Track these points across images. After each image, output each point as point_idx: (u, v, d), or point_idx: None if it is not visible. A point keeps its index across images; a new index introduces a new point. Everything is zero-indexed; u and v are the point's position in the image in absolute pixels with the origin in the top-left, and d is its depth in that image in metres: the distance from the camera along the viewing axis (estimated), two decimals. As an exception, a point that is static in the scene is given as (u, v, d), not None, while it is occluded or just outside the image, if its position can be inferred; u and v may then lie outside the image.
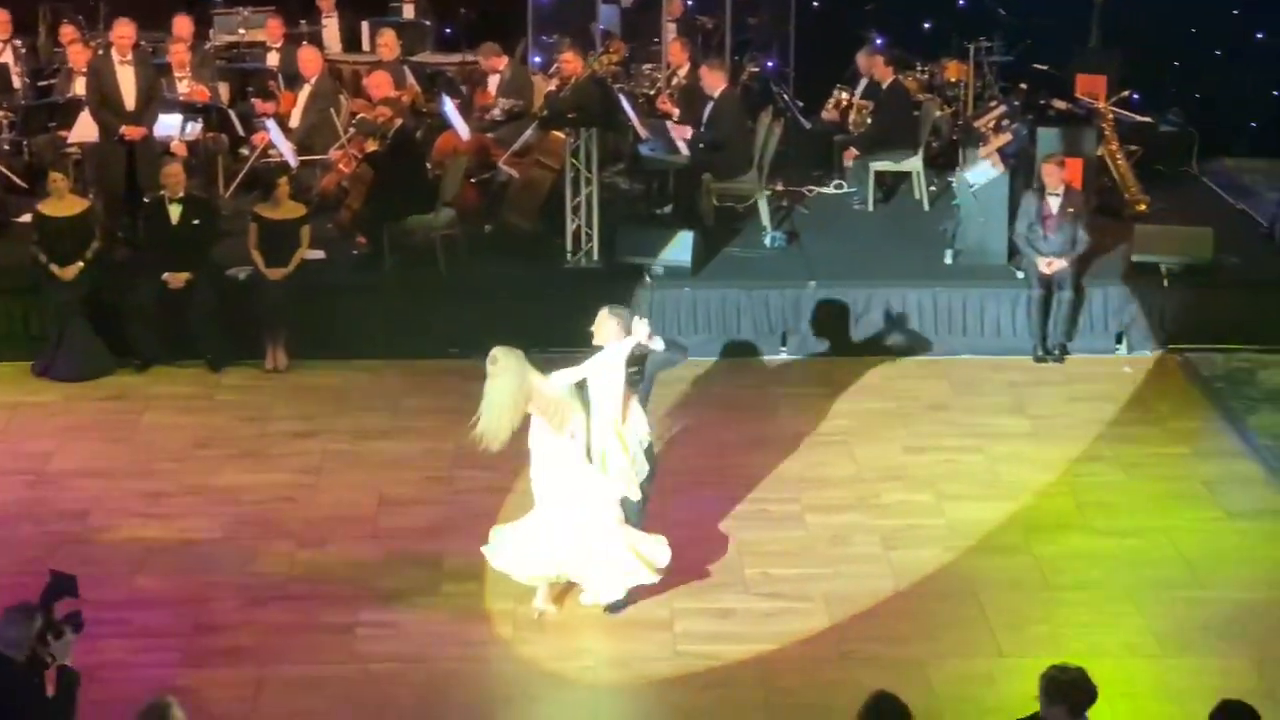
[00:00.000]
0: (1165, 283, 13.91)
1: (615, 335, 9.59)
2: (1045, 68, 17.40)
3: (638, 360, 9.60)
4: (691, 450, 11.82)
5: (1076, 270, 13.60)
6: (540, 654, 9.30)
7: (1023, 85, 17.12)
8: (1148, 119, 16.75)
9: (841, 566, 10.26)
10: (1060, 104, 15.99)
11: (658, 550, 9.54)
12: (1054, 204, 13.54)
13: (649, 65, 17.55)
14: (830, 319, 13.74)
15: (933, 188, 15.82)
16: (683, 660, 9.25)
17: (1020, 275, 13.81)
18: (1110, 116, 15.93)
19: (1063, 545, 10.53)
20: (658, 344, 9.59)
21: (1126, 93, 16.36)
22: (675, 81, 16.44)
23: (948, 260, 14.31)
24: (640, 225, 14.63)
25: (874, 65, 16.28)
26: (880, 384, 13.11)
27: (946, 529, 10.75)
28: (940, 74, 17.55)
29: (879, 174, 15.76)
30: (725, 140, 14.95)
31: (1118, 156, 15.81)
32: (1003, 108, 16.18)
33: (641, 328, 9.52)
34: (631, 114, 15.25)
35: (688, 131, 15.23)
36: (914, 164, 15.76)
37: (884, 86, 16.09)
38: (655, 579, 9.53)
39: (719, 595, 9.89)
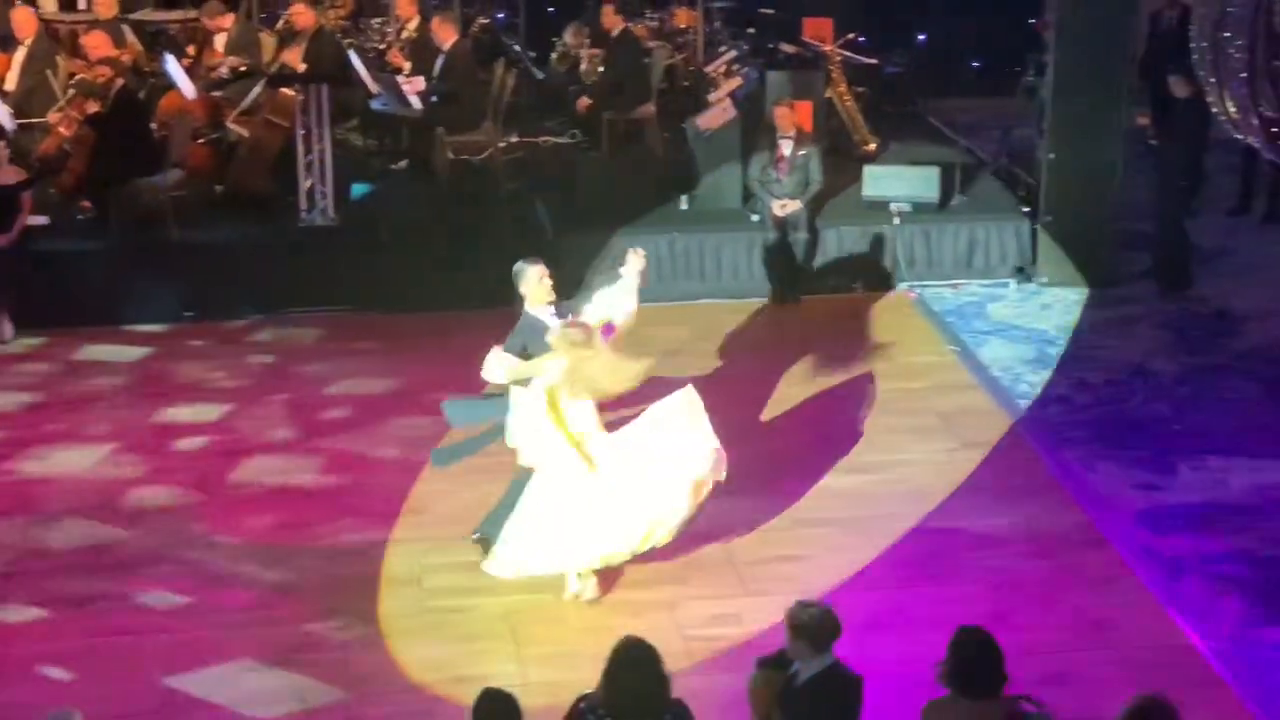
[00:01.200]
0: (896, 220, 14.20)
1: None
2: (772, 11, 17.61)
3: None
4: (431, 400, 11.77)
5: (810, 211, 13.81)
6: (290, 616, 9.20)
7: (751, 30, 17.30)
8: (874, 61, 17.05)
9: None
10: (788, 48, 16.21)
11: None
12: (785, 147, 13.73)
13: (378, 19, 17.35)
14: (568, 269, 13.71)
15: (666, 134, 15.90)
16: (432, 615, 9.22)
17: (755, 218, 13.97)
18: (838, 59, 16.18)
19: (804, 483, 10.69)
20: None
21: (853, 35, 16.61)
22: (405, 35, 16.27)
23: (683, 206, 14.42)
24: (375, 181, 14.48)
25: (604, 14, 16.29)
26: (620, 330, 13.11)
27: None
28: (670, 21, 17.64)
29: (611, 122, 15.80)
30: (458, 92, 14.85)
31: (846, 98, 16.08)
32: (732, 53, 16.35)
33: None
34: (361, 69, 15.08)
35: (419, 85, 15.08)
36: (646, 111, 15.83)
37: (614, 35, 16.12)
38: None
39: (467, 550, 9.84)
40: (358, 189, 13.91)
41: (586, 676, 6.73)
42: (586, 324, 9.25)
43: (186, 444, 11.31)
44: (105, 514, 10.31)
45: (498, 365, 9.21)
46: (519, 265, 9.49)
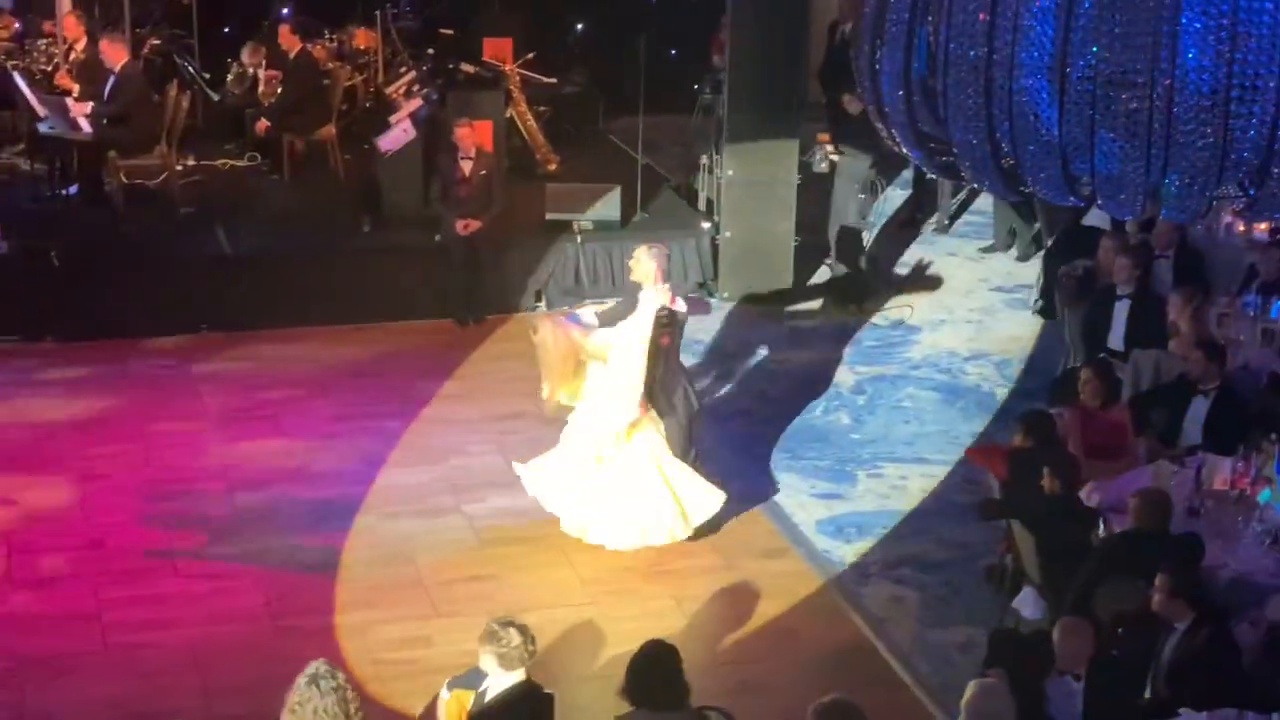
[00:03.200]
0: (579, 239, 14.29)
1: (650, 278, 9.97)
2: (451, 32, 17.60)
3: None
4: (109, 436, 11.48)
5: (492, 231, 13.81)
6: None
7: (431, 50, 17.27)
8: (554, 80, 17.15)
9: (270, 540, 10.15)
10: (469, 67, 16.20)
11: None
12: (467, 166, 13.71)
13: (44, 40, 16.85)
14: (250, 294, 13.54)
15: (347, 156, 15.77)
16: (113, 652, 8.98)
17: (438, 238, 13.93)
18: (517, 78, 16.23)
19: (491, 504, 10.69)
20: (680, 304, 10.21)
21: (531, 55, 16.69)
22: (73, 56, 15.84)
23: (366, 228, 14.31)
24: (44, 206, 14.06)
25: (281, 35, 16.09)
26: (306, 353, 12.99)
27: (378, 496, 10.78)
28: (349, 41, 17.50)
29: (291, 144, 15.62)
30: (129, 114, 14.51)
31: (527, 117, 16.15)
32: (413, 73, 16.29)
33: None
34: (27, 91, 14.64)
35: (88, 107, 14.70)
36: (327, 133, 15.68)
37: (291, 56, 15.93)
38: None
39: (150, 581, 9.62)
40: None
41: (274, 708, 6.62)
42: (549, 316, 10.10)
43: None
44: None
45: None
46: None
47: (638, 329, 9.90)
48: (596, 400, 10.05)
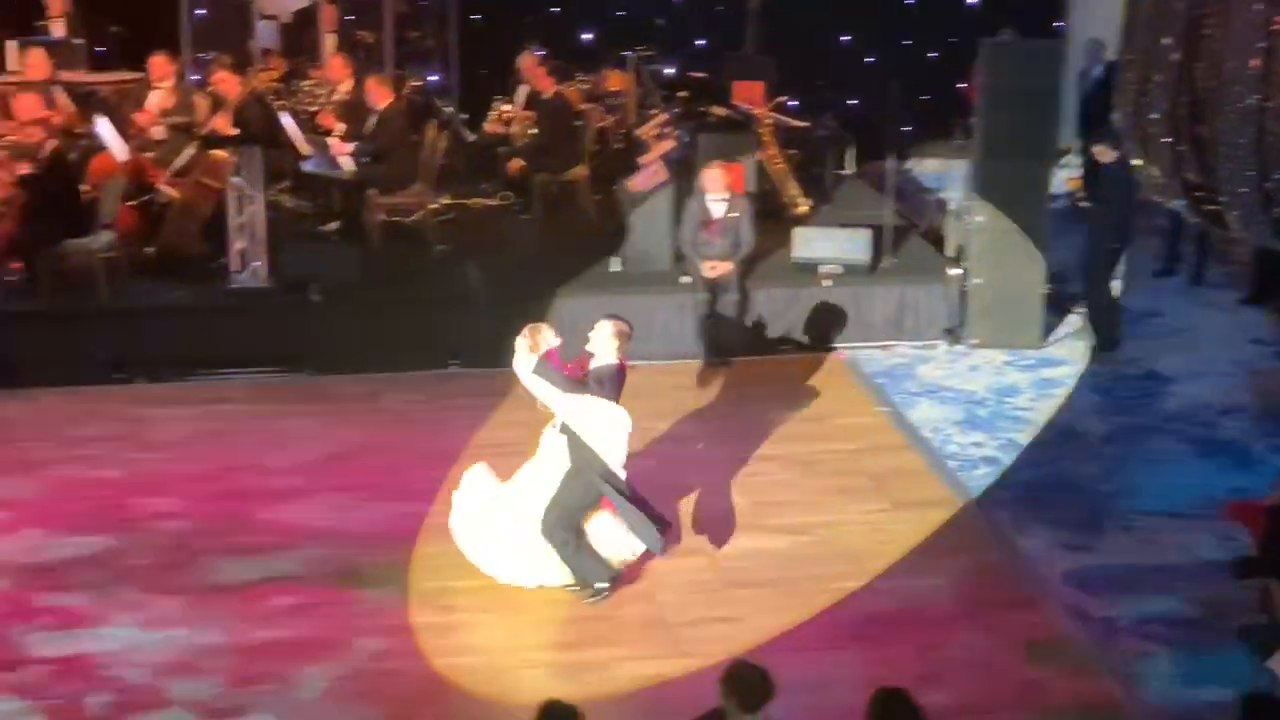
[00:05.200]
0: (826, 283, 14.28)
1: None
2: (703, 75, 17.73)
3: None
4: (368, 466, 11.73)
5: (741, 273, 13.86)
6: (218, 669, 9.13)
7: (682, 93, 17.41)
8: (805, 123, 17.18)
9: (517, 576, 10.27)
10: (719, 110, 16.31)
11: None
12: (716, 209, 13.79)
13: (310, 81, 17.36)
14: (499, 331, 13.72)
15: (598, 197, 15.96)
16: (361, 680, 9.16)
17: (686, 280, 14.02)
18: (768, 121, 16.30)
19: (736, 545, 10.71)
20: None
21: (783, 98, 16.74)
22: (336, 97, 16.30)
23: (614, 268, 14.46)
24: (306, 243, 14.46)
25: (536, 77, 16.37)
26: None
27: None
28: (602, 84, 17.72)
29: (544, 184, 15.86)
30: (389, 153, 14.88)
31: (777, 160, 16.19)
32: (664, 116, 16.44)
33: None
34: (293, 131, 15.09)
35: (350, 147, 15.12)
36: (578, 174, 15.89)
37: (546, 98, 16.19)
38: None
39: (395, 613, 9.81)
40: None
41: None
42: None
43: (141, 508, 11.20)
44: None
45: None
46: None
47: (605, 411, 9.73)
48: (550, 467, 9.91)
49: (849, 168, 17.88)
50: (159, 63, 15.83)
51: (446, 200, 15.76)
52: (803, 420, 12.80)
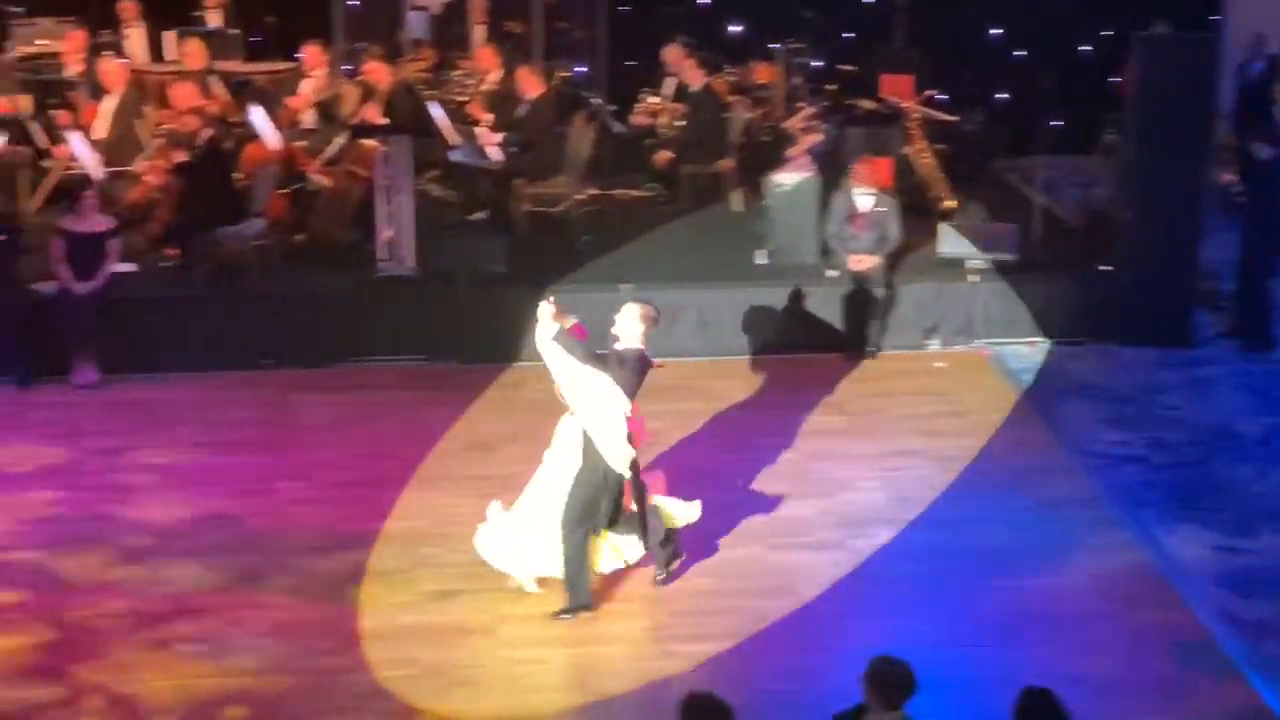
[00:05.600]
0: (973, 278, 14.17)
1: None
2: (852, 68, 17.65)
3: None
4: (511, 455, 11.80)
5: (886, 268, 13.80)
6: (357, 664, 9.24)
7: (830, 86, 17.34)
8: (953, 118, 17.05)
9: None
10: (867, 104, 16.23)
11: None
12: (863, 203, 13.74)
13: (459, 71, 17.51)
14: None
15: (744, 189, 15.95)
16: (502, 665, 9.23)
17: (832, 274, 13.97)
18: (916, 116, 16.19)
19: (877, 539, 10.66)
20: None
21: (932, 92, 16.62)
22: (485, 87, 16.41)
23: (760, 261, 14.45)
24: (453, 232, 14.58)
25: (684, 69, 16.38)
26: (695, 384, 13.18)
27: (764, 526, 10.84)
28: (749, 76, 17.70)
29: (690, 176, 15.87)
30: (535, 142, 14.97)
31: (924, 155, 16.08)
32: (812, 109, 16.39)
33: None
34: (442, 120, 15.22)
35: (498, 137, 15.22)
36: (725, 166, 15.88)
37: (694, 90, 16.20)
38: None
39: (539, 600, 9.87)
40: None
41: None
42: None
43: (288, 492, 11.38)
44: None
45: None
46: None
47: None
48: (567, 456, 9.77)
49: (998, 162, 17.70)
50: (312, 52, 16.08)
51: (593, 191, 15.80)
52: (947, 415, 12.72)
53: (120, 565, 10.29)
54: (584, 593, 9.68)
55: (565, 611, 9.65)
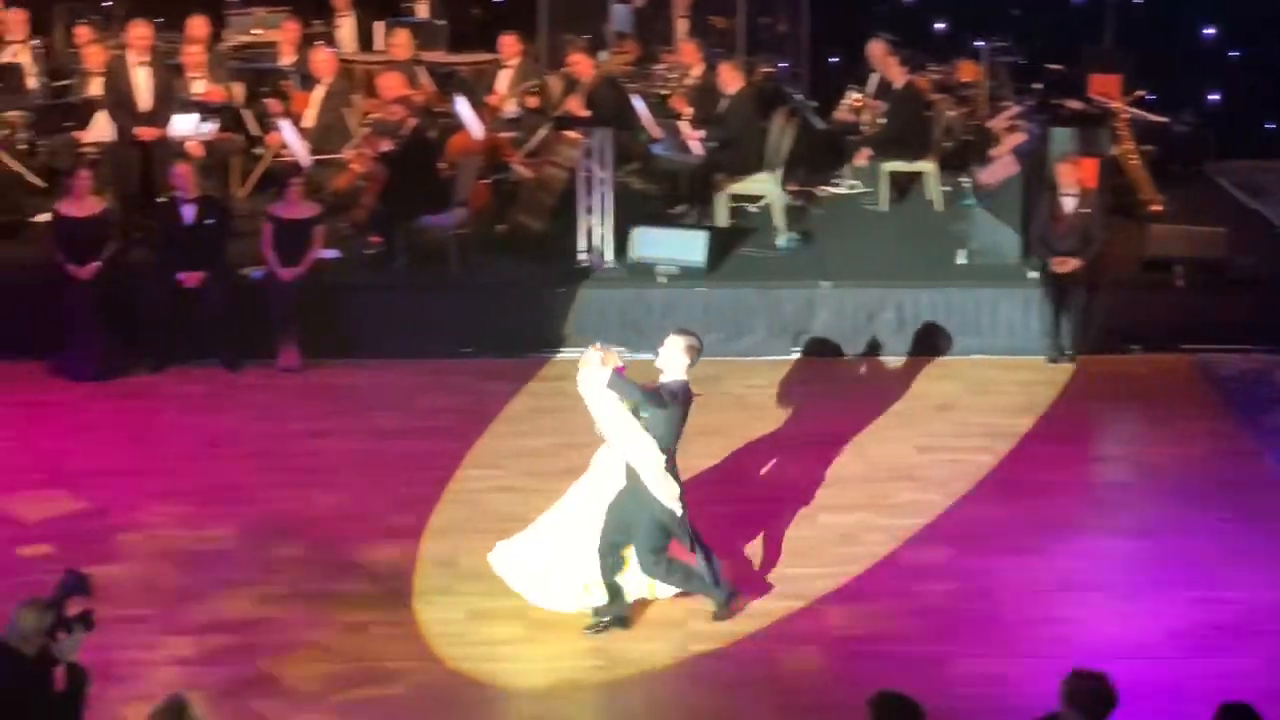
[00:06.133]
0: (1179, 282, 13.90)
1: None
2: (1059, 67, 17.40)
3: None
4: (708, 450, 11.82)
5: (1090, 270, 13.58)
6: (552, 652, 9.31)
7: (1036, 85, 17.12)
8: (1162, 119, 16.74)
9: (852, 566, 10.25)
10: (1074, 104, 15.98)
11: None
12: (1067, 204, 13.54)
13: (662, 65, 17.55)
14: (843, 319, 13.76)
15: (946, 188, 15.81)
16: (694, 659, 9.26)
17: (1033, 275, 13.79)
18: (1124, 116, 15.91)
19: (1076, 546, 10.52)
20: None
21: (1140, 93, 16.34)
22: (688, 82, 16.44)
23: (960, 260, 14.31)
24: (653, 225, 14.64)
25: (887, 66, 16.26)
26: (892, 384, 13.13)
27: (959, 529, 10.75)
28: (953, 74, 17.53)
29: (892, 174, 15.78)
30: (737, 138, 14.97)
31: (1132, 156, 15.79)
32: (1016, 108, 16.18)
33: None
34: (645, 114, 15.28)
35: (699, 132, 15.24)
36: (927, 165, 15.76)
37: (897, 87, 16.09)
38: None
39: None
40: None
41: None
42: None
43: (479, 480, 11.52)
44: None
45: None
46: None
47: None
48: (604, 487, 9.54)
49: (1206, 165, 17.34)
50: (508, 42, 16.22)
51: (793, 187, 15.76)
52: (1149, 422, 12.52)
53: (320, 546, 10.48)
54: (623, 604, 9.58)
55: (598, 620, 9.54)
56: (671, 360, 9.42)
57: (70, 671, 7.02)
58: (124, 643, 9.09)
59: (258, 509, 10.99)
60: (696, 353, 9.46)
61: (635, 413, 9.29)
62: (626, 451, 9.34)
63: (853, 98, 16.85)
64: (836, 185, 16.30)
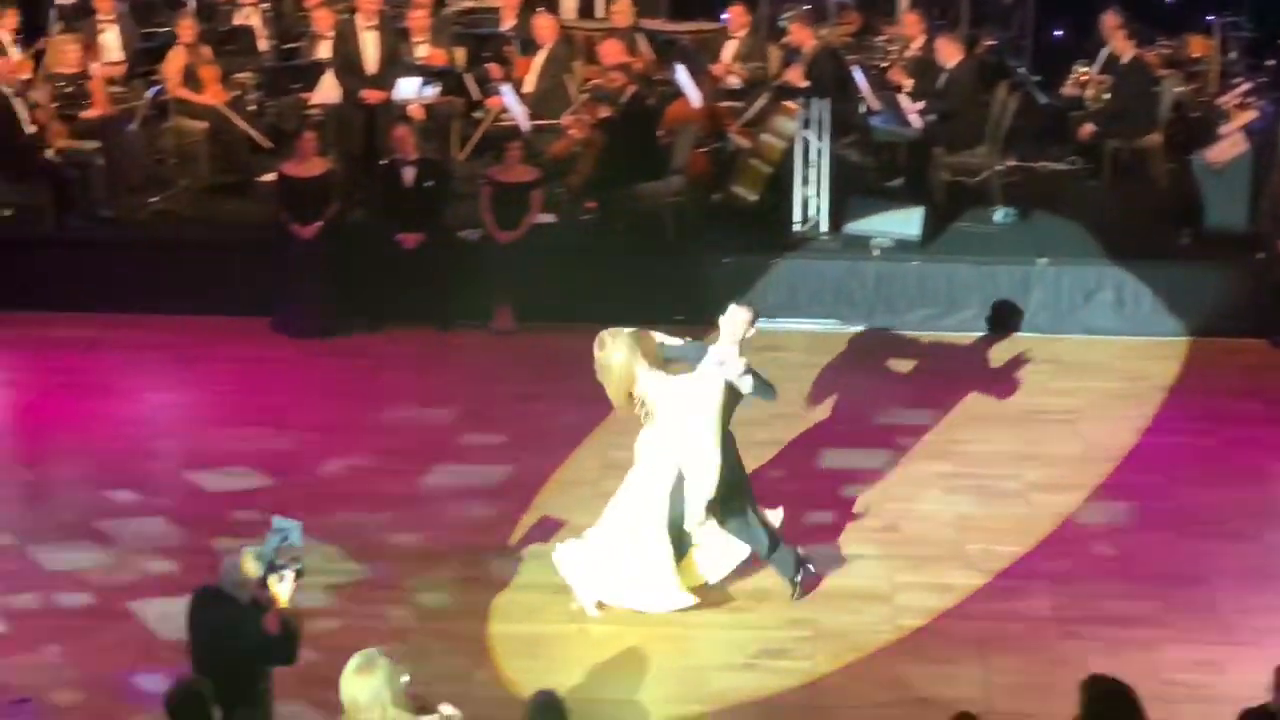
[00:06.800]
0: None
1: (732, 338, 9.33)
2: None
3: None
4: (915, 425, 11.74)
5: (1321, 252, 13.21)
6: (760, 622, 9.31)
7: (1269, 61, 16.66)
8: None
9: (1066, 545, 10.12)
10: (1314, 80, 15.55)
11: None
12: (1301, 184, 13.18)
13: (883, 37, 17.39)
14: (1059, 297, 13.55)
15: (1170, 166, 15.46)
16: (902, 633, 9.21)
17: (1261, 256, 13.44)
18: (1365, 94, 15.44)
19: (1302, 533, 10.28)
20: (746, 385, 9.20)
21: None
22: (909, 54, 16.27)
23: (1184, 239, 14.00)
24: (869, 197, 14.53)
25: (1116, 38, 15.93)
26: (1110, 363, 12.91)
27: (1176, 512, 10.54)
28: (1183, 49, 17.12)
29: (1115, 151, 15.46)
30: (956, 111, 14.77)
31: (1370, 136, 15.31)
32: (1248, 84, 15.76)
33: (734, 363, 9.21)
34: (864, 86, 15.16)
35: (918, 105, 15.08)
36: (1152, 141, 15.42)
37: (1124, 62, 15.75)
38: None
39: (940, 570, 9.82)
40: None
41: (1055, 710, 6.61)
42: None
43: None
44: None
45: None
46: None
47: (704, 392, 9.13)
48: (651, 466, 9.30)
49: None
50: (737, 12, 16.19)
51: (1013, 162, 15.53)
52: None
53: (531, 509, 10.59)
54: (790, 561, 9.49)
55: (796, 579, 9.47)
56: (733, 331, 9.31)
57: (282, 618, 7.16)
58: (339, 595, 9.27)
59: (471, 468, 11.11)
60: (750, 325, 9.35)
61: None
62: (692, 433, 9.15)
63: (1079, 72, 16.54)
64: (1057, 161, 16.01)
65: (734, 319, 9.32)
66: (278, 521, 7.31)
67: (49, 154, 14.33)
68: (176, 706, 6.64)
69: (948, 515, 10.49)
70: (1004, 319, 13.57)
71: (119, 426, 11.87)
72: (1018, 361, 12.96)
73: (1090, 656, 8.60)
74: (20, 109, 14.13)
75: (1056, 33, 18.76)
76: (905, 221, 13.87)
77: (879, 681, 8.81)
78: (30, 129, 14.17)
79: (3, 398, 12.49)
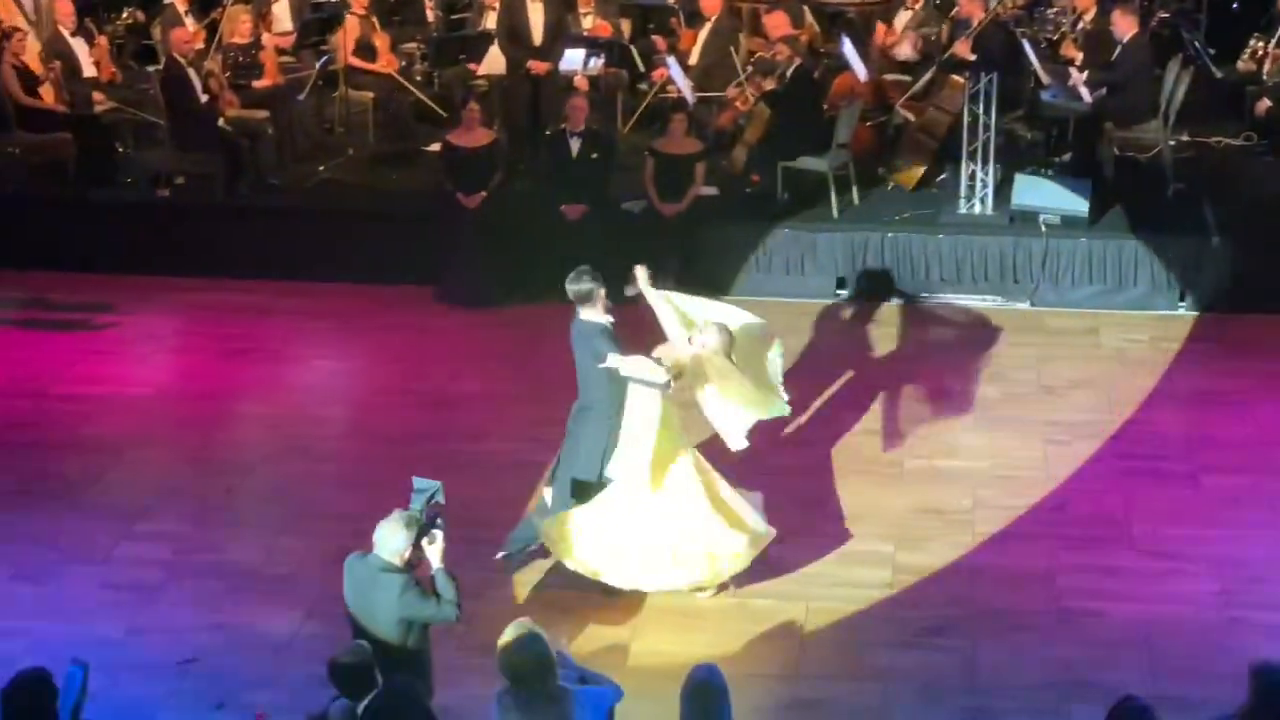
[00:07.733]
0: None
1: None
2: None
3: None
4: (1081, 403, 11.59)
5: None
6: (921, 599, 9.27)
7: None
8: None
9: (1234, 530, 9.95)
10: None
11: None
12: None
13: (1054, 9, 17.12)
14: (1232, 274, 13.28)
15: (1350, 143, 15.09)
16: (1065, 614, 9.10)
17: None
18: None
19: None
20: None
21: None
22: (1080, 26, 16.00)
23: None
24: (1037, 173, 14.32)
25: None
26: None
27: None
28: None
29: (1293, 127, 15.12)
30: (1127, 84, 14.50)
31: None
32: None
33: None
34: (1034, 59, 14.93)
35: (1090, 78, 14.82)
36: (1332, 118, 15.06)
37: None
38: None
39: (1105, 551, 9.69)
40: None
41: (1221, 696, 6.49)
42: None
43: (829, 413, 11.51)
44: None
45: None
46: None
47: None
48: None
49: None
50: (901, -14, 16.02)
51: (1186, 137, 15.24)
52: None
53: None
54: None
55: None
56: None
57: (437, 578, 7.24)
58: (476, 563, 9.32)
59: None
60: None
61: None
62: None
63: (1257, 46, 16.17)
64: (1233, 137, 15.68)
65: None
66: (418, 482, 7.40)
67: (220, 123, 14.55)
68: (340, 673, 6.74)
69: (1114, 496, 10.33)
70: (1173, 297, 13.34)
71: (293, 394, 12.11)
72: (1187, 340, 12.73)
73: (1254, 643, 8.44)
74: (194, 79, 14.37)
75: (1234, 4, 18.34)
76: (1073, 197, 13.67)
77: (1039, 662, 8.72)
78: (203, 98, 14.41)
79: (191, 363, 12.79)
